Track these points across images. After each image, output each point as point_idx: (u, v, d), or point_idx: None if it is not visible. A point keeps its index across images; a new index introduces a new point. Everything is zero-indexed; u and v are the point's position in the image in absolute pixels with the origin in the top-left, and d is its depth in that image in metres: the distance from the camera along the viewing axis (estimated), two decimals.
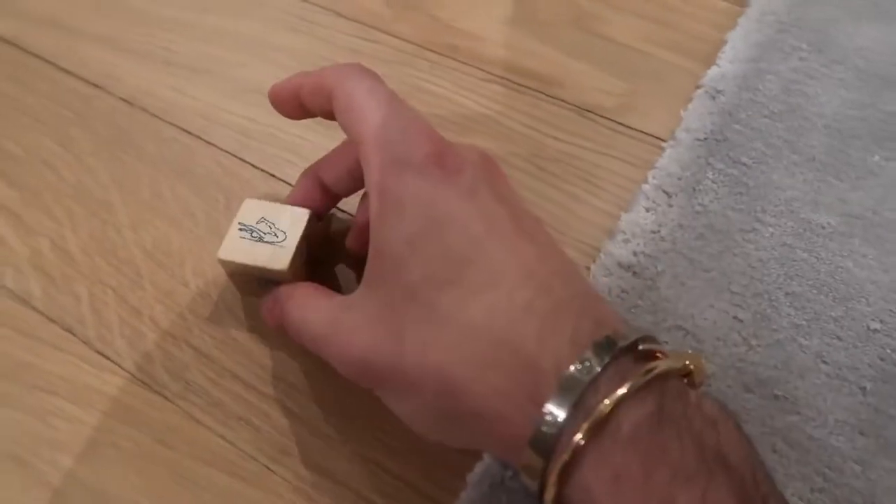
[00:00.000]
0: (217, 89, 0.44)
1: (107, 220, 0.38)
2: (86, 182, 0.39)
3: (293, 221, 0.32)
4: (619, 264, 0.34)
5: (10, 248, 0.37)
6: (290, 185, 0.39)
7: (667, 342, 0.32)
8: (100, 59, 0.45)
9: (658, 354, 0.22)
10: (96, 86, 0.44)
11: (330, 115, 0.29)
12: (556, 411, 0.20)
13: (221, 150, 0.41)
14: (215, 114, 0.42)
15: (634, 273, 0.34)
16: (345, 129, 0.28)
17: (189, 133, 0.42)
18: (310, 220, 0.32)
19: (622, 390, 0.20)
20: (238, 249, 0.32)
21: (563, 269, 0.25)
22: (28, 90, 0.44)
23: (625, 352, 0.21)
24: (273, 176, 0.40)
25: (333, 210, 0.36)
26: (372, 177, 0.26)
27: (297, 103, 0.31)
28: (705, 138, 0.38)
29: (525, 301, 0.23)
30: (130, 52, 0.46)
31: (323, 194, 0.33)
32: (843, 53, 0.42)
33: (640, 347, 0.22)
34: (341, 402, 0.31)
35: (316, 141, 0.41)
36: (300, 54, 0.46)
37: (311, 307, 0.28)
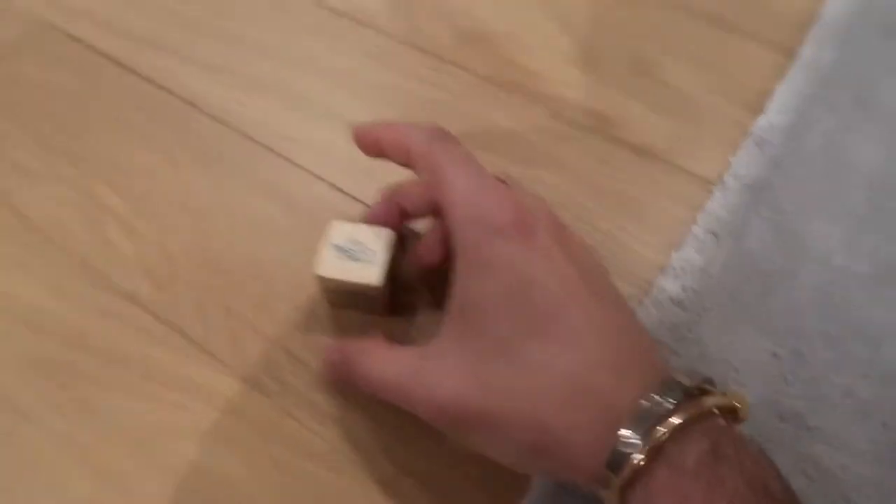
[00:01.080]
0: (305, 114, 0.48)
1: (207, 230, 0.42)
2: (187, 193, 0.44)
3: (381, 241, 0.36)
4: (671, 299, 0.38)
5: (119, 251, 0.42)
6: (365, 204, 0.43)
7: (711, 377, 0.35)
8: (198, 80, 0.50)
9: (709, 393, 0.26)
10: (193, 104, 0.49)
11: (406, 165, 0.34)
12: (630, 439, 0.25)
13: (306, 170, 0.45)
14: (301, 136, 0.47)
15: (683, 308, 0.38)
16: (430, 189, 0.32)
17: (276, 153, 0.46)
18: (395, 241, 0.37)
19: (677, 420, 0.24)
20: (334, 267, 0.36)
21: (628, 326, 0.29)
22: (135, 108, 0.49)
23: (687, 392, 0.25)
24: (351, 196, 0.44)
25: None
26: (460, 240, 0.30)
27: (377, 148, 0.35)
28: (752, 185, 0.42)
29: (599, 357, 0.27)
30: (227, 74, 0.50)
31: (401, 217, 0.37)
32: (885, 111, 0.45)
33: (696, 388, 0.26)
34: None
35: (390, 166, 0.45)
36: (377, 83, 0.50)
37: (386, 359, 0.31)
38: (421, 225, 0.40)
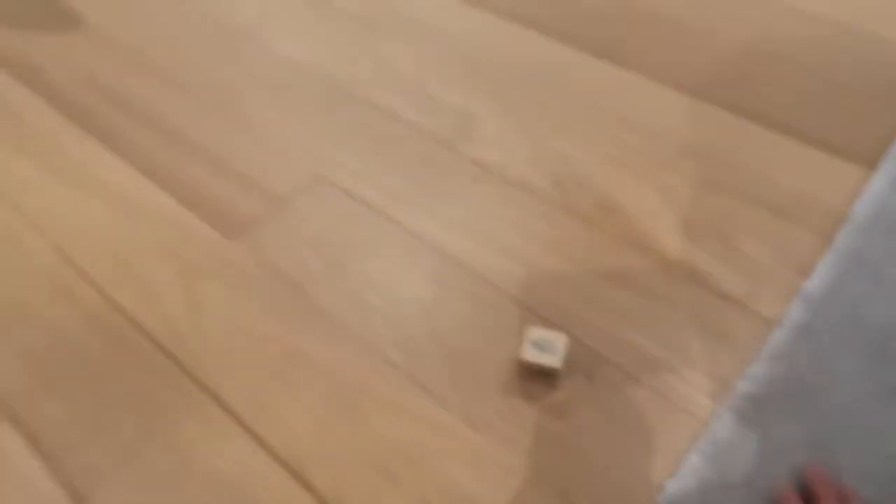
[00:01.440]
0: (494, 248, 0.72)
1: (437, 320, 0.66)
2: (419, 291, 0.68)
3: (561, 342, 0.59)
4: (744, 395, 0.59)
5: (376, 328, 0.65)
6: (536, 313, 0.66)
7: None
8: (423, 220, 0.75)
9: None
10: (416, 236, 0.73)
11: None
12: None
13: (499, 287, 0.68)
14: (493, 264, 0.70)
15: (751, 400, 0.58)
16: None
17: (480, 275, 0.69)
18: (568, 342, 0.59)
19: None
20: (531, 354, 0.59)
21: None
22: (381, 241, 0.73)
23: None
24: (531, 310, 0.67)
25: None
26: None
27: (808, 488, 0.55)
28: (799, 326, 0.64)
29: None
30: (447, 220, 0.75)
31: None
32: (891, 285, 0.67)
33: None
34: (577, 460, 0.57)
35: (557, 298, 0.68)
36: (539, 233, 0.74)
37: None
38: None
